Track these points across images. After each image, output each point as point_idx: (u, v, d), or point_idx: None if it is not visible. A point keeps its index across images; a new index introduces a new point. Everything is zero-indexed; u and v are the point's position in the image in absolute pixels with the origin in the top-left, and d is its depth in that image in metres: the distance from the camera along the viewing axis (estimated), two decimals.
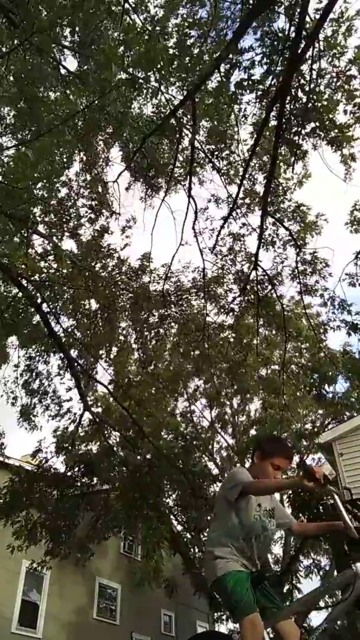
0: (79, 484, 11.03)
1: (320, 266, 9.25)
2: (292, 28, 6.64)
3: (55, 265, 8.73)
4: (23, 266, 7.91)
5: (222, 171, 8.92)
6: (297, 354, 13.30)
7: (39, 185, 6.85)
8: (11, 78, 7.18)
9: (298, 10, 6.48)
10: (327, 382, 11.18)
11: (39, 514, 10.24)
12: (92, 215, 9.78)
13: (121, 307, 10.19)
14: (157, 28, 7.31)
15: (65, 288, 9.22)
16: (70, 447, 11.28)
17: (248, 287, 9.36)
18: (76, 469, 11.14)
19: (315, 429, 18.03)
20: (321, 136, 7.69)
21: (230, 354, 11.12)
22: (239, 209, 9.04)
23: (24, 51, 6.99)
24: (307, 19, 6.59)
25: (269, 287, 9.21)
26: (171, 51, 6.91)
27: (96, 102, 6.36)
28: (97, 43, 7.31)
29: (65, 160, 7.63)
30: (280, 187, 9.08)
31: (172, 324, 10.59)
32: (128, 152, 9.38)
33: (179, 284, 10.19)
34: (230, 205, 8.73)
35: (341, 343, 16.32)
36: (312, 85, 7.23)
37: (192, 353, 11.70)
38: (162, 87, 7.74)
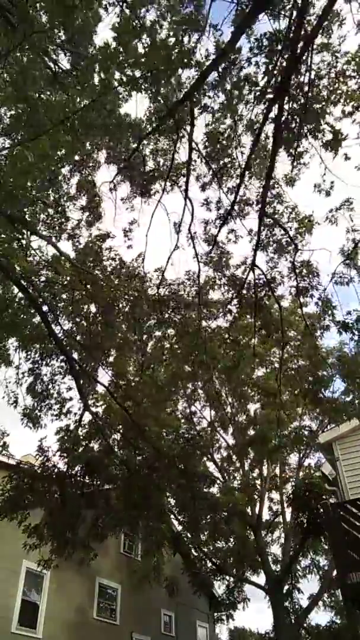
0: (81, 483, 11.02)
1: (315, 269, 9.28)
2: (291, 28, 6.64)
3: (54, 267, 8.73)
4: (22, 268, 7.90)
5: (220, 172, 8.92)
6: (294, 352, 13.30)
7: (36, 185, 6.84)
8: (5, 75, 7.16)
9: (297, 10, 6.48)
10: (323, 385, 11.19)
11: (44, 512, 10.24)
12: (89, 218, 9.78)
13: (120, 310, 10.20)
14: (155, 27, 7.30)
15: (64, 290, 9.22)
16: (72, 447, 11.30)
17: (245, 287, 9.36)
18: (78, 468, 11.15)
19: (314, 430, 18.07)
20: (318, 137, 7.69)
21: (226, 356, 11.11)
22: (238, 216, 9.04)
23: (22, 52, 6.98)
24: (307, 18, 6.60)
25: (267, 288, 9.21)
26: (169, 51, 6.89)
27: (92, 101, 6.35)
28: (88, 41, 7.29)
29: (62, 161, 7.63)
30: (279, 187, 9.08)
31: (170, 327, 10.60)
32: (124, 153, 9.37)
33: (175, 288, 10.21)
34: (228, 209, 8.73)
35: (336, 343, 16.35)
36: (309, 86, 7.23)
37: (189, 356, 11.70)
38: (160, 86, 7.72)
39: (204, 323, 10.26)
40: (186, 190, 7.89)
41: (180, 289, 10.28)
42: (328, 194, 8.49)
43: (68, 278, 8.73)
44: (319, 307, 9.37)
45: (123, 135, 8.73)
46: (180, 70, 7.24)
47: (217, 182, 8.78)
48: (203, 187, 9.23)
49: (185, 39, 7.29)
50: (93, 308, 10.26)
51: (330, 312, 9.22)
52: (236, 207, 8.81)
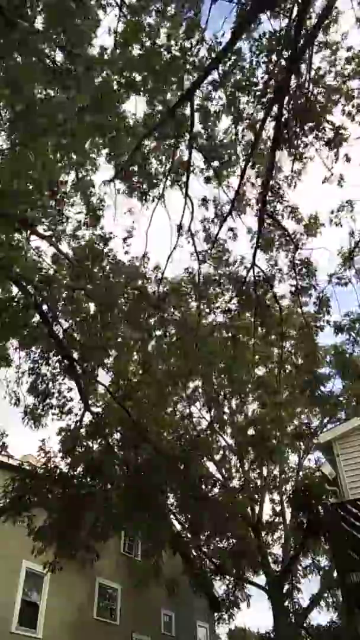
0: (82, 484, 11.02)
1: (314, 268, 9.31)
2: (292, 27, 6.63)
3: (54, 267, 8.73)
4: (22, 268, 7.89)
5: (220, 172, 8.91)
6: (292, 351, 13.30)
7: (36, 186, 6.82)
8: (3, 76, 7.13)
9: (297, 9, 6.48)
10: (321, 381, 11.20)
11: (47, 514, 10.23)
12: (88, 219, 9.77)
13: (119, 309, 10.20)
14: (155, 31, 7.29)
15: (63, 289, 9.22)
16: (73, 447, 11.32)
17: (245, 285, 9.37)
18: (79, 468, 11.16)
19: (313, 429, 18.05)
20: (319, 137, 7.68)
21: (226, 352, 11.14)
22: (238, 213, 9.04)
23: (20, 52, 6.96)
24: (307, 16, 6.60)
25: (266, 285, 9.22)
26: (168, 55, 6.90)
27: (92, 102, 6.35)
28: (88, 42, 7.27)
29: (62, 161, 7.61)
30: (278, 187, 9.07)
31: (170, 326, 10.60)
32: (124, 152, 9.36)
33: (174, 285, 10.22)
34: (229, 207, 8.72)
35: (336, 342, 16.35)
36: (310, 86, 7.22)
37: (189, 354, 11.70)
38: (159, 91, 7.73)
39: (204, 320, 10.27)
40: (186, 189, 7.88)
41: (181, 286, 10.30)
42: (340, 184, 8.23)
43: (67, 277, 8.73)
44: (317, 306, 9.41)
45: (123, 136, 8.71)
46: (180, 72, 7.24)
47: (218, 180, 8.78)
48: (207, 180, 9.17)
49: (187, 43, 7.29)
50: (92, 306, 10.27)
51: (325, 310, 9.26)
52: (236, 205, 8.80)
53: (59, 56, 7.77)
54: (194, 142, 8.04)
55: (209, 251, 9.56)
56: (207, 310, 11.05)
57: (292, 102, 7.35)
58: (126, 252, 10.07)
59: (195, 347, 10.52)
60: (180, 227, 8.48)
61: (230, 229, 9.44)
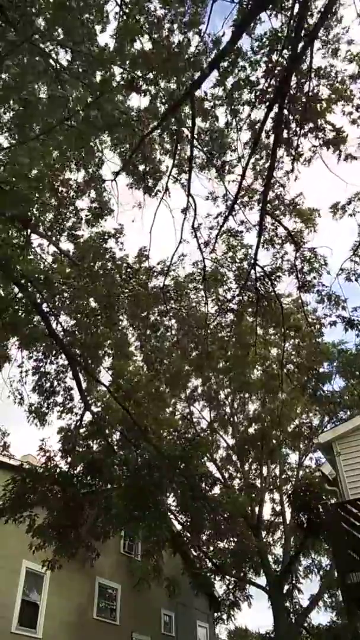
0: (83, 483, 11.03)
1: (318, 264, 9.29)
2: (292, 26, 6.63)
3: (54, 266, 8.72)
4: (23, 268, 7.88)
5: (221, 170, 8.92)
6: (294, 352, 13.31)
7: (36, 185, 6.81)
8: (4, 76, 7.13)
9: (298, 8, 6.48)
10: (322, 380, 11.20)
11: (47, 513, 10.23)
12: (90, 217, 9.77)
13: (120, 306, 10.20)
14: (155, 28, 7.29)
15: (64, 288, 9.22)
16: (73, 447, 11.32)
17: (248, 283, 9.37)
18: (79, 468, 11.17)
19: (313, 429, 18.07)
20: (318, 136, 7.68)
21: (229, 351, 11.15)
22: (240, 210, 9.04)
23: (22, 51, 6.96)
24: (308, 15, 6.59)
25: (268, 284, 9.22)
26: (169, 51, 6.90)
27: (95, 99, 6.34)
28: (90, 39, 7.28)
29: (64, 160, 7.61)
30: (279, 185, 9.08)
31: (172, 320, 10.61)
32: (125, 151, 9.37)
33: (178, 278, 10.23)
34: (230, 204, 8.72)
35: (337, 340, 16.35)
36: (310, 86, 7.22)
37: (192, 351, 11.71)
38: (161, 86, 7.73)
39: (207, 314, 10.28)
40: (188, 187, 7.88)
41: (182, 272, 10.35)
42: None
43: (68, 276, 8.72)
44: (324, 303, 9.40)
45: (126, 132, 8.71)
46: (180, 70, 7.24)
47: (219, 177, 8.79)
48: (201, 168, 9.14)
49: (185, 39, 7.29)
50: (93, 304, 10.27)
51: (333, 304, 9.25)
52: (238, 206, 8.80)
53: (61, 54, 7.79)
54: (195, 139, 8.03)
55: (213, 249, 9.57)
56: (211, 306, 11.06)
57: (292, 102, 7.35)
58: (120, 249, 10.11)
59: (206, 338, 10.50)
60: (182, 229, 8.48)
61: (242, 222, 9.43)
